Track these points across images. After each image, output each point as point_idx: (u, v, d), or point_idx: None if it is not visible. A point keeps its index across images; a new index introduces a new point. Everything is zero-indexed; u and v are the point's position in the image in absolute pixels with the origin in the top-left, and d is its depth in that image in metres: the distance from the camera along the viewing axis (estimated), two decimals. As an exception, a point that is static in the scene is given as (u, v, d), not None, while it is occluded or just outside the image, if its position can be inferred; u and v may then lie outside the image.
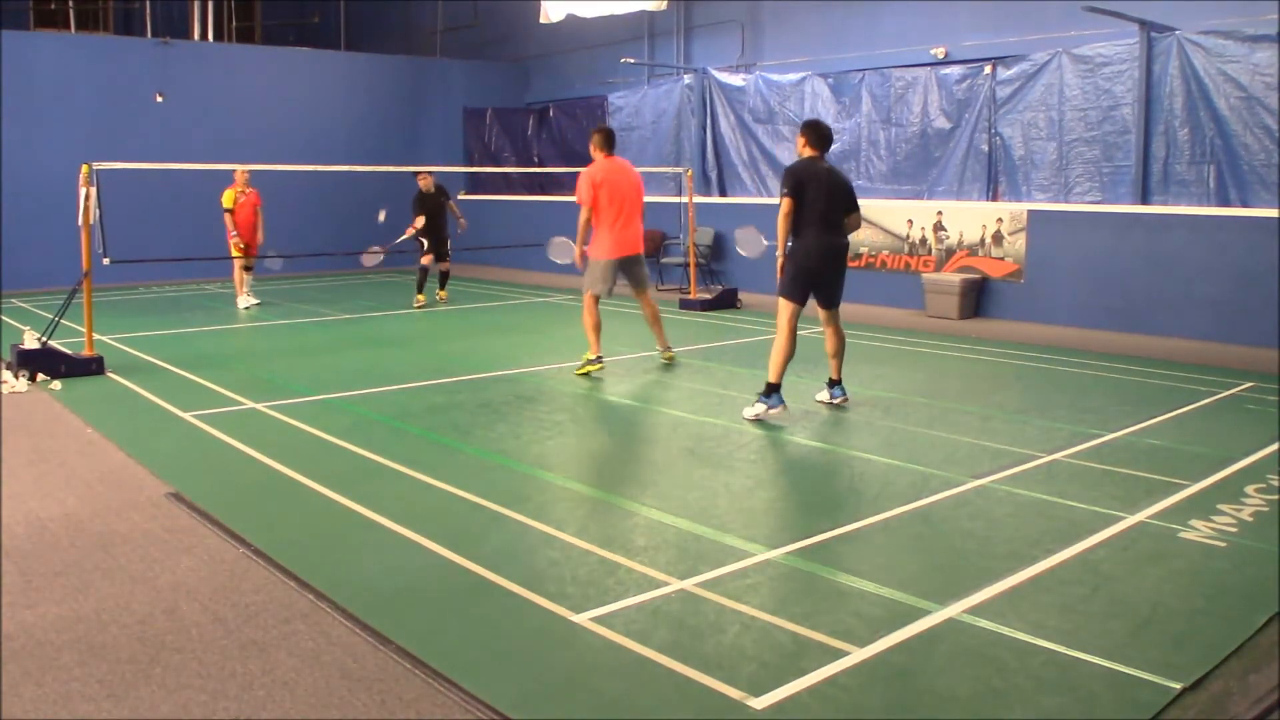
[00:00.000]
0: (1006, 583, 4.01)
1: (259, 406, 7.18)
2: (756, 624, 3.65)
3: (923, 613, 3.72)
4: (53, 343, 8.33)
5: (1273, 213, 9.78)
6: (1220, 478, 5.44)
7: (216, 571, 4.16)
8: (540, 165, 18.58)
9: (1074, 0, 11.02)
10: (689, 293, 13.16)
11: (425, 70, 19.62)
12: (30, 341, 8.18)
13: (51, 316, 8.74)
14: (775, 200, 6.89)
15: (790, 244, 6.85)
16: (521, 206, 18.41)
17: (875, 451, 6.02)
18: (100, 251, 8.35)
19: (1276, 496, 5.12)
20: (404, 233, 12.82)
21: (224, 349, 9.90)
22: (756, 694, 3.13)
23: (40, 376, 7.95)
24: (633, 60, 16.74)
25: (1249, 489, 5.24)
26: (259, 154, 15.76)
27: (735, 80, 15.25)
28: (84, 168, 8.24)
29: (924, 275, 12.28)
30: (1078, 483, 5.36)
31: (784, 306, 6.85)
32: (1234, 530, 4.62)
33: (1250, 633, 3.58)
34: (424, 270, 12.92)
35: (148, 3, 18.31)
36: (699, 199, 14.32)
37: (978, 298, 12.00)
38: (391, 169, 13.63)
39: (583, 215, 8.20)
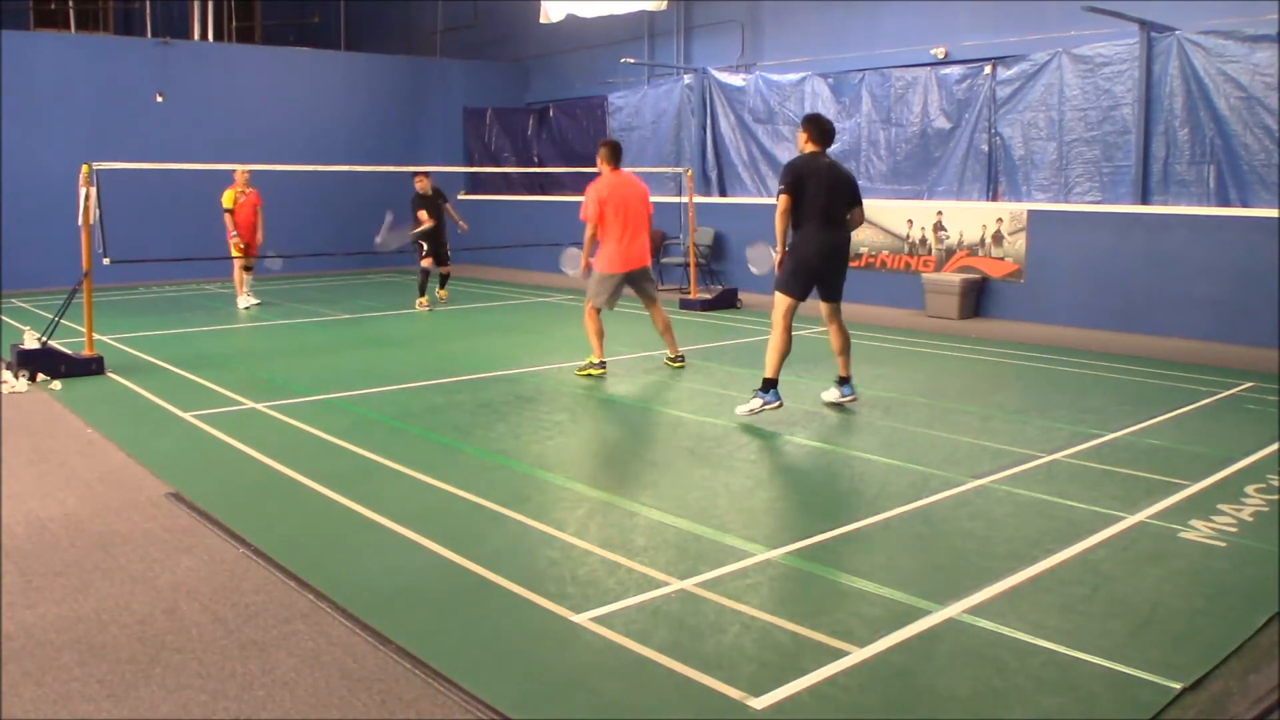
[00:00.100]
0: (1006, 583, 4.01)
1: (259, 406, 7.18)
2: (756, 624, 3.65)
3: (923, 613, 3.72)
4: (53, 343, 8.33)
5: (1273, 213, 9.78)
6: (1220, 478, 5.44)
7: (216, 571, 4.16)
8: (540, 165, 18.59)
9: (1074, 0, 11.02)
10: (689, 293, 13.16)
11: (425, 70, 19.62)
12: (30, 341, 8.18)
13: (51, 316, 8.74)
14: (774, 200, 6.80)
15: (791, 239, 6.80)
16: (521, 206, 18.41)
17: (875, 451, 6.02)
18: (100, 251, 8.35)
19: (1276, 496, 5.12)
20: (414, 226, 12.79)
21: (224, 349, 9.90)
22: (756, 694, 3.13)
23: (40, 376, 7.96)
24: (633, 60, 16.74)
25: (1249, 489, 5.24)
26: (259, 154, 15.75)
27: (735, 80, 15.26)
28: (84, 168, 8.24)
29: (924, 275, 12.28)
30: (1078, 483, 5.36)
31: (780, 301, 6.77)
32: (1234, 530, 4.62)
33: (1250, 633, 3.58)
34: (425, 273, 12.92)
35: (148, 3, 18.31)
36: (699, 199, 14.32)
37: (978, 298, 12.00)
38: (391, 169, 13.64)
39: (588, 232, 8.20)
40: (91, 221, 8.28)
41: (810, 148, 6.85)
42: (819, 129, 6.85)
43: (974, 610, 3.75)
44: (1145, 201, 10.95)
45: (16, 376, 7.86)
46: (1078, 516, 4.81)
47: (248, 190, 12.63)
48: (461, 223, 13.16)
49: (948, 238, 12.41)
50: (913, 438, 6.34)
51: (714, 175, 15.72)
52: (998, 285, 11.93)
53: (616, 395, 7.76)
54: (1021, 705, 3.10)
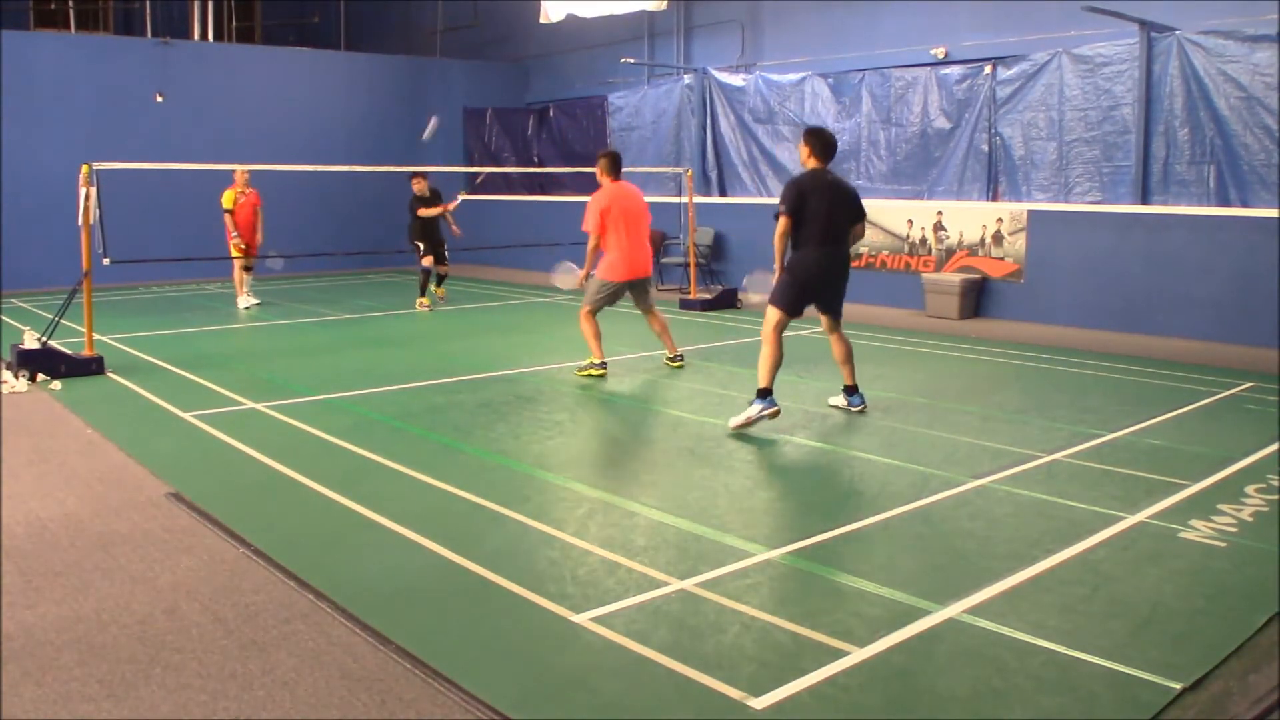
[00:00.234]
0: (1006, 583, 4.01)
1: (259, 406, 7.18)
2: (756, 624, 3.65)
3: (923, 613, 3.72)
4: (53, 343, 8.33)
5: (1273, 213, 9.78)
6: (1220, 478, 5.44)
7: (216, 571, 4.16)
8: (540, 165, 18.59)
9: (1074, 0, 11.02)
10: (689, 293, 13.16)
11: (425, 70, 19.62)
12: (30, 341, 8.18)
13: (51, 316, 8.74)
14: (774, 200, 6.76)
15: (790, 256, 6.68)
16: (521, 206, 18.41)
17: (875, 451, 6.02)
18: (100, 251, 8.35)
19: (1276, 496, 5.12)
20: (453, 201, 12.87)
21: (224, 349, 9.90)
22: (756, 694, 3.13)
23: (40, 376, 7.95)
24: (633, 60, 16.74)
25: (1249, 489, 5.24)
26: (259, 154, 15.75)
27: (735, 80, 15.26)
28: (84, 168, 8.24)
29: (924, 275, 12.28)
30: (1078, 483, 5.36)
31: (772, 314, 6.63)
32: (1234, 530, 4.62)
33: (1250, 633, 3.58)
34: (426, 273, 12.91)
35: (148, 3, 18.30)
36: (699, 199, 14.32)
37: (978, 298, 12.00)
38: (391, 169, 13.64)
39: (590, 242, 8.21)
40: (91, 221, 8.28)
41: (813, 163, 6.69)
42: (822, 144, 6.69)
43: (974, 610, 3.75)
44: (1145, 201, 10.95)
45: (16, 376, 7.86)
46: (1078, 516, 4.81)
47: (248, 191, 12.63)
48: (455, 227, 13.14)
49: (948, 238, 12.41)
50: (913, 438, 6.34)
51: (714, 175, 15.72)
52: (998, 285, 11.93)
53: (616, 395, 7.76)
54: (1021, 705, 3.10)
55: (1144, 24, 10.69)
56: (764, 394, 6.48)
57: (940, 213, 12.50)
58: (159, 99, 16.38)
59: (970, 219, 12.19)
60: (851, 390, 7.05)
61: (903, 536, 4.63)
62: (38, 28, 19.26)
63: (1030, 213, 11.63)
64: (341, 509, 4.94)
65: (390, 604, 3.85)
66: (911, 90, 12.99)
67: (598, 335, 8.27)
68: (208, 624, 3.66)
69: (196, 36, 18.24)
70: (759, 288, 7.05)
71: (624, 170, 8.58)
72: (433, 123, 12.60)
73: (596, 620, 3.66)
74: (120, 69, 16.13)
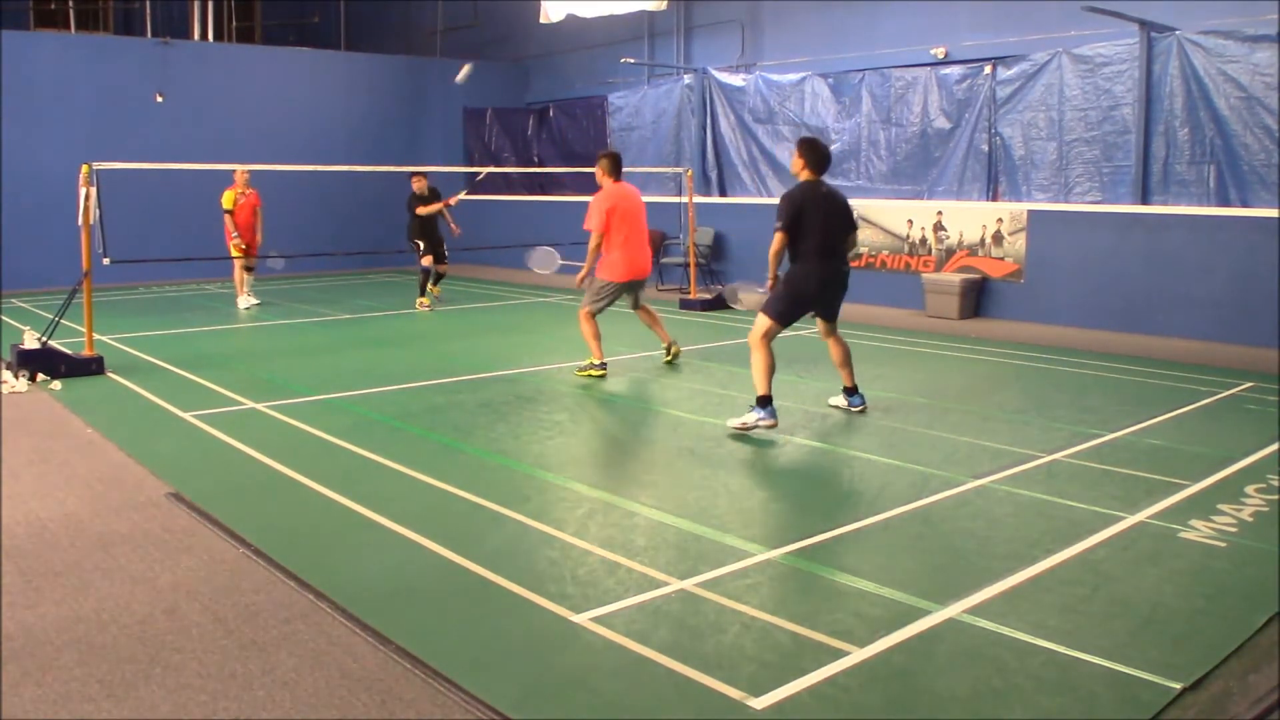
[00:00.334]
0: (1006, 583, 4.01)
1: (259, 406, 7.18)
2: (756, 624, 3.65)
3: (923, 613, 3.72)
4: (53, 343, 8.33)
5: (1273, 213, 9.78)
6: (1220, 478, 5.44)
7: (216, 571, 4.16)
8: (540, 165, 18.59)
9: (1074, 0, 11.02)
10: (689, 293, 13.16)
11: (425, 70, 19.61)
12: (30, 341, 8.18)
13: (51, 316, 8.74)
14: (774, 200, 6.70)
15: (789, 268, 6.59)
16: (521, 206, 18.40)
17: (875, 451, 6.02)
18: (100, 251, 8.35)
19: (1276, 496, 5.12)
20: (457, 197, 12.87)
21: (224, 349, 9.90)
22: (756, 694, 3.13)
23: (40, 376, 7.95)
24: (633, 60, 16.74)
25: (1249, 489, 5.24)
26: (259, 154, 15.75)
27: (735, 80, 15.26)
28: (84, 168, 8.24)
29: (924, 275, 12.28)
30: (1078, 483, 5.36)
31: (763, 322, 6.52)
32: (1234, 530, 4.62)
33: (1250, 633, 3.58)
34: (426, 272, 12.91)
35: (148, 3, 18.30)
36: (699, 199, 14.32)
37: (978, 298, 12.00)
38: (392, 169, 13.63)
39: (593, 241, 8.21)
40: (91, 221, 8.28)
41: (806, 175, 6.58)
42: (816, 156, 6.59)
43: (974, 610, 3.75)
44: (1145, 201, 10.95)
45: (16, 376, 7.86)
46: (1078, 516, 4.81)
47: (248, 191, 12.63)
48: (455, 226, 13.12)
49: (948, 238, 12.40)
50: (913, 438, 6.34)
51: (714, 175, 15.72)
52: (998, 285, 11.93)
53: (616, 395, 7.76)
54: (1021, 705, 3.10)
55: (1144, 24, 10.69)
56: (764, 402, 6.38)
57: (940, 213, 12.50)
58: (159, 99, 16.38)
59: (970, 219, 12.19)
60: (851, 391, 7.03)
61: (903, 536, 4.63)
62: (38, 28, 19.25)
63: (1030, 213, 11.63)
64: (341, 509, 4.94)
65: (390, 604, 3.85)
66: (911, 90, 12.99)
67: (597, 336, 8.28)
68: (208, 624, 3.66)
69: (196, 36, 18.23)
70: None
71: (624, 170, 8.59)
72: (467, 68, 12.52)
73: (596, 620, 3.66)
74: (120, 69, 16.13)
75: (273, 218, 13.43)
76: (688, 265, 13.48)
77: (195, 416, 6.87)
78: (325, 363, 9.23)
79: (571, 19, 16.58)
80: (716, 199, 15.47)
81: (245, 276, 12.99)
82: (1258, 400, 7.45)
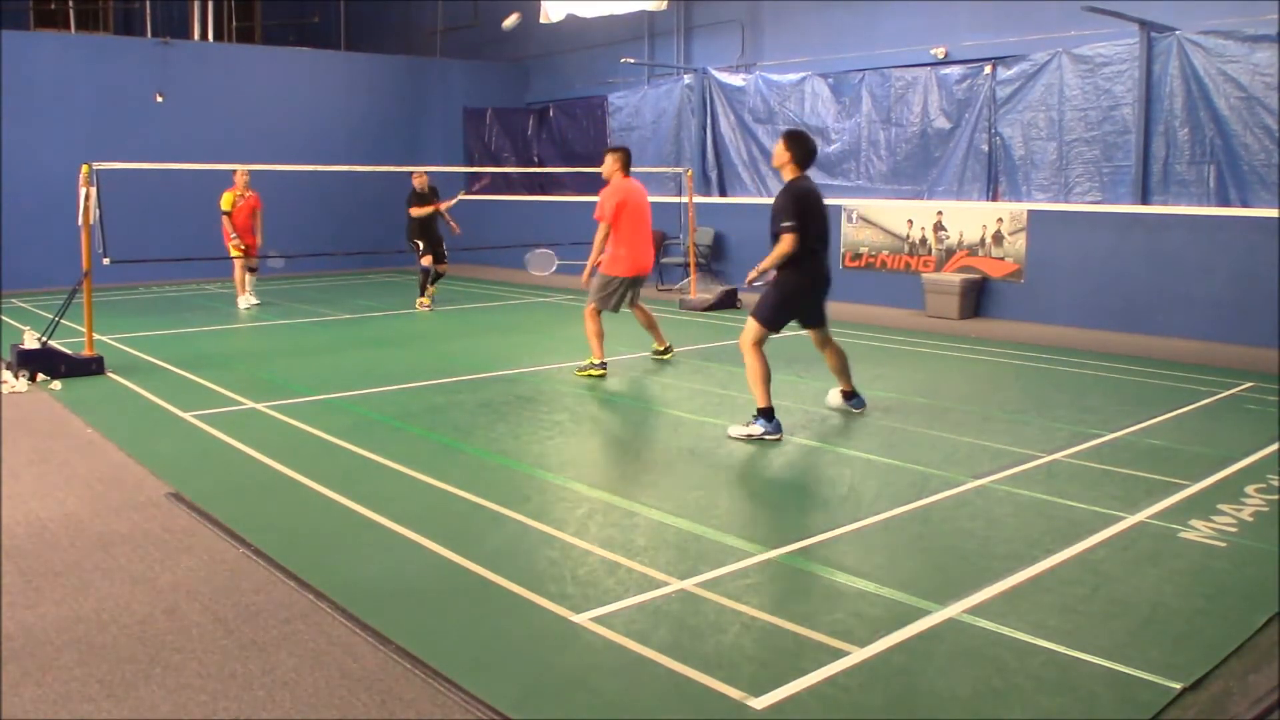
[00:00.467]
0: (1006, 583, 4.01)
1: (259, 406, 7.18)
2: (756, 624, 3.65)
3: (923, 613, 3.72)
4: (53, 343, 8.33)
5: (1273, 213, 9.78)
6: (1220, 478, 5.44)
7: (216, 571, 4.16)
8: (540, 165, 18.59)
9: (1074, 0, 11.02)
10: (689, 293, 13.16)
11: (425, 70, 19.62)
12: (30, 341, 8.18)
13: (51, 316, 8.74)
14: (770, 200, 6.51)
15: (786, 272, 6.38)
16: (521, 206, 18.41)
17: (875, 451, 6.02)
18: (100, 251, 8.35)
19: (1276, 496, 5.12)
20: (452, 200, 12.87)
21: (224, 349, 9.90)
22: (756, 694, 3.13)
23: (40, 376, 7.95)
24: (633, 60, 16.75)
25: (1249, 489, 5.24)
26: (259, 154, 15.76)
27: (735, 80, 15.26)
28: (84, 168, 8.24)
29: (924, 275, 12.28)
30: (1078, 483, 5.36)
31: (757, 330, 6.37)
32: (1234, 530, 4.62)
33: (1250, 633, 3.58)
34: (425, 272, 12.90)
35: (148, 3, 18.31)
36: (699, 199, 14.32)
37: (978, 298, 12.00)
38: (391, 169, 13.63)
39: (601, 231, 8.23)
40: (91, 221, 8.28)
41: (792, 170, 6.39)
42: (805, 151, 6.41)
43: (974, 610, 3.75)
44: (1145, 201, 10.95)
45: (16, 376, 7.86)
46: (1078, 516, 4.81)
47: (247, 193, 12.62)
48: (454, 224, 13.10)
49: (948, 238, 12.40)
50: (913, 438, 6.34)
51: (714, 175, 15.73)
52: (998, 285, 11.92)
53: (616, 395, 7.76)
54: (1021, 705, 3.10)
55: (1144, 24, 10.69)
56: (768, 415, 6.25)
57: (940, 213, 12.50)
58: (159, 99, 16.39)
59: (970, 219, 12.19)
60: (850, 395, 6.99)
61: (903, 536, 4.63)
62: (38, 28, 19.26)
63: (1030, 213, 11.63)
64: (341, 509, 4.94)
65: (390, 604, 3.84)
66: (911, 90, 12.99)
67: (600, 335, 8.29)
68: (208, 624, 3.66)
69: (196, 36, 18.24)
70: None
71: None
72: (514, 16, 12.46)
73: (596, 620, 3.66)
74: (120, 69, 16.13)
75: (273, 218, 13.43)
76: (688, 265, 13.48)
77: (195, 416, 6.87)
78: (325, 363, 9.23)
79: (571, 19, 16.58)
80: (716, 199, 15.47)
81: (248, 277, 12.99)
82: (1258, 400, 7.44)
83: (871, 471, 5.66)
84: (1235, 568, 4.21)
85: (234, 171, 12.50)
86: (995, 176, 12.36)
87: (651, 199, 8.67)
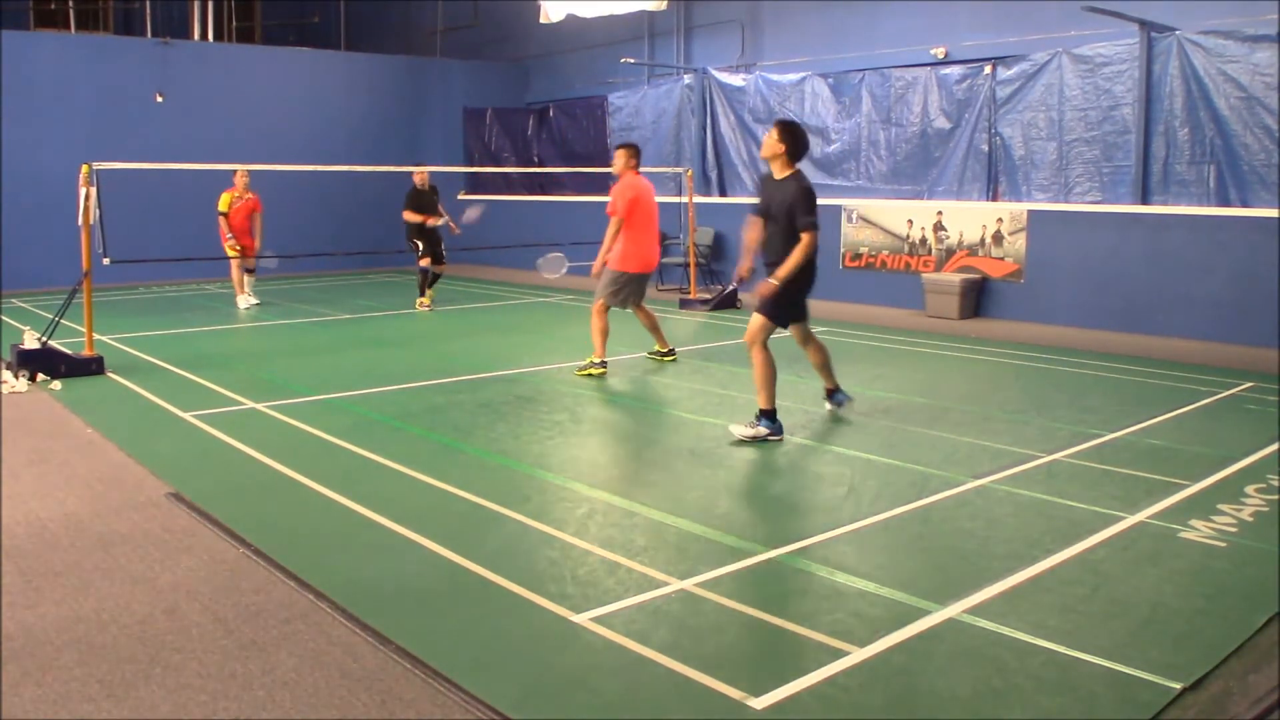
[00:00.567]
0: (1006, 583, 4.01)
1: (259, 406, 7.18)
2: (757, 624, 3.65)
3: (923, 613, 3.72)
4: (53, 343, 8.33)
5: (1273, 213, 9.78)
6: (1220, 478, 5.44)
7: (216, 571, 4.16)
8: (540, 165, 18.59)
9: (1074, 0, 11.02)
10: (689, 293, 13.16)
11: (425, 70, 19.62)
12: (30, 341, 8.18)
13: (51, 316, 8.74)
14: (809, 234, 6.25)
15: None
16: (521, 206, 18.40)
17: (875, 451, 6.02)
18: (100, 251, 8.35)
19: (1276, 496, 5.12)
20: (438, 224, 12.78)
21: (224, 349, 9.90)
22: (756, 694, 3.13)
23: (40, 376, 7.95)
24: (633, 60, 16.75)
25: (1249, 489, 5.24)
26: (259, 154, 15.76)
27: (735, 80, 15.26)
28: (84, 168, 8.24)
29: (924, 275, 12.28)
30: (1078, 483, 5.36)
31: (765, 326, 6.32)
32: (1234, 530, 4.62)
33: (1250, 633, 3.58)
34: (424, 273, 12.90)
35: (148, 3, 18.31)
36: (699, 199, 14.32)
37: (978, 298, 12.00)
38: (391, 169, 13.63)
39: (615, 226, 8.25)
40: (91, 221, 8.28)
41: (785, 164, 6.30)
42: (803, 144, 6.33)
43: (974, 610, 3.75)
44: (1145, 201, 10.95)
45: (16, 376, 7.86)
46: (1078, 516, 4.81)
47: (246, 195, 12.62)
48: (453, 225, 13.09)
49: (948, 238, 12.40)
50: (913, 438, 6.34)
51: (714, 175, 15.72)
52: (998, 285, 11.92)
53: (616, 395, 7.76)
54: (1021, 705, 3.10)
55: (1144, 24, 10.69)
56: (770, 416, 6.25)
57: (940, 213, 12.50)
58: (159, 99, 16.38)
59: (970, 219, 12.19)
60: (834, 391, 6.93)
61: (903, 536, 4.63)
62: (38, 28, 19.26)
63: (1030, 213, 11.63)
64: (341, 509, 4.94)
65: (390, 604, 3.84)
66: (911, 90, 12.99)
67: (605, 333, 8.31)
68: (208, 624, 3.66)
69: (196, 36, 18.24)
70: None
71: (624, 169, 8.65)
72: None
73: (596, 620, 3.66)
74: (120, 69, 16.13)
75: (273, 218, 13.42)
76: (688, 265, 13.48)
77: (195, 416, 6.87)
78: (325, 363, 9.23)
79: (571, 19, 16.58)
80: (716, 199, 15.47)
81: (246, 278, 12.98)
82: (1258, 400, 7.44)
83: (871, 471, 5.66)
84: (1235, 568, 4.22)
85: (234, 172, 12.49)
86: (995, 176, 12.36)
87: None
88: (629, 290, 8.42)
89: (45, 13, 19.81)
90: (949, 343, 10.18)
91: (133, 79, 16.15)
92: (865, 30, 14.11)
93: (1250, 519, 4.78)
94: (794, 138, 6.32)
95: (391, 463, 5.71)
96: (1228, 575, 4.14)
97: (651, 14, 16.68)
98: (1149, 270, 10.62)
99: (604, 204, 8.43)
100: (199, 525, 4.71)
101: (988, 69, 12.23)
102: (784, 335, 6.73)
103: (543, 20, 16.77)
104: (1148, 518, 4.79)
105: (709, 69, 15.68)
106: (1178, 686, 3.18)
